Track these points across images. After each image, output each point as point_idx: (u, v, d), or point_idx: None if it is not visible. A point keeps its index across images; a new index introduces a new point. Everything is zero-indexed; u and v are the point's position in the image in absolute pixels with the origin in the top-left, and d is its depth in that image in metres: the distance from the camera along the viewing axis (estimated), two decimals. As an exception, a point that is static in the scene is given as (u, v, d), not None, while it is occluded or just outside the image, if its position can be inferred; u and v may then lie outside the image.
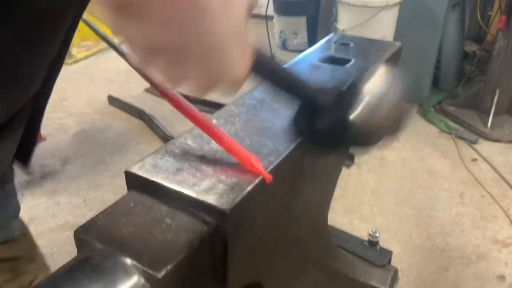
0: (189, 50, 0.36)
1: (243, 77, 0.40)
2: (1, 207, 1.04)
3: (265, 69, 0.44)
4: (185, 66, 0.38)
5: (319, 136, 0.50)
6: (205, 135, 0.60)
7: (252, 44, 0.41)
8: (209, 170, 0.55)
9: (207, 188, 0.51)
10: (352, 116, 0.45)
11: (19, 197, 1.16)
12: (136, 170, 0.55)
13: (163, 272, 0.43)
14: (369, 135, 0.46)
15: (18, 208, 1.09)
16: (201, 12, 0.34)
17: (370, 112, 0.45)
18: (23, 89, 0.66)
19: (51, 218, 2.27)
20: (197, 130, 0.62)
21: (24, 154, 0.88)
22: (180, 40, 0.35)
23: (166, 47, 0.36)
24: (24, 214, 1.29)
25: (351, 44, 0.97)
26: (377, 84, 0.46)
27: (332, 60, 0.90)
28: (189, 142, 0.61)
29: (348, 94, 0.47)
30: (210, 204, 0.49)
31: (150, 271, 0.43)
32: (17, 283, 1.21)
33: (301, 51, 1.00)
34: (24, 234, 1.24)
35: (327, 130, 0.47)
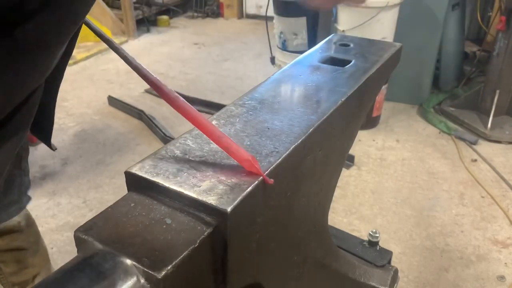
0: None
1: None
2: (18, 184, 1.10)
3: None
4: None
5: None
6: (205, 136, 0.60)
7: None
8: (209, 170, 0.55)
9: (207, 188, 0.51)
10: None
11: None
12: (136, 170, 0.55)
13: (163, 272, 0.43)
14: None
15: (29, 184, 1.19)
16: None
17: None
18: (43, 74, 0.69)
19: (51, 218, 2.27)
20: (197, 131, 0.62)
21: (44, 132, 0.95)
22: None
23: None
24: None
25: (351, 45, 0.97)
26: None
27: (332, 61, 0.90)
28: (189, 142, 0.61)
29: None
30: (210, 204, 0.49)
31: (150, 271, 0.43)
32: (23, 276, 1.25)
33: (301, 52, 1.00)
34: (30, 225, 1.28)
35: None
